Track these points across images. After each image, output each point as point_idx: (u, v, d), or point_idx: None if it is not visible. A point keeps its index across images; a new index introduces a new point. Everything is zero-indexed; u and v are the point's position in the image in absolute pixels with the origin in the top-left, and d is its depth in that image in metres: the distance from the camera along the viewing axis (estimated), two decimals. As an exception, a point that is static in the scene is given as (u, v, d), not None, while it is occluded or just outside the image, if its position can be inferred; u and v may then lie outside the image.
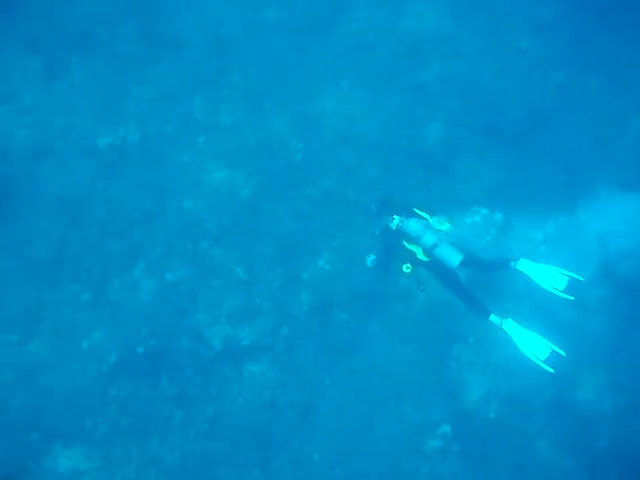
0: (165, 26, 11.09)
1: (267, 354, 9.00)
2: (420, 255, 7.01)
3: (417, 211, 7.25)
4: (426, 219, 7.14)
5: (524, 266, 6.92)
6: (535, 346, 6.77)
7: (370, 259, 7.26)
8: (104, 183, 10.03)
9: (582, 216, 9.65)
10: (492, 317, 6.96)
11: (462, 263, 6.98)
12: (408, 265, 7.06)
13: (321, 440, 8.67)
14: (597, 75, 10.65)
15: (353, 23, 11.49)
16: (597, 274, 9.38)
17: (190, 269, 9.40)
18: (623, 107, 10.28)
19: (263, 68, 11.01)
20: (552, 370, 6.65)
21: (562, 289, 6.78)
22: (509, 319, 6.88)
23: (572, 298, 6.76)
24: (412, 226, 6.98)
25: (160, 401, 8.78)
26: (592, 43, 10.93)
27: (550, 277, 6.84)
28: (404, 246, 7.12)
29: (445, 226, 7.14)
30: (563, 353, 6.65)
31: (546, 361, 6.73)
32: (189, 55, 10.94)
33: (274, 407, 8.79)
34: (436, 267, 7.03)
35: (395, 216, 7.09)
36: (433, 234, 6.95)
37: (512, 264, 6.99)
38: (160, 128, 10.44)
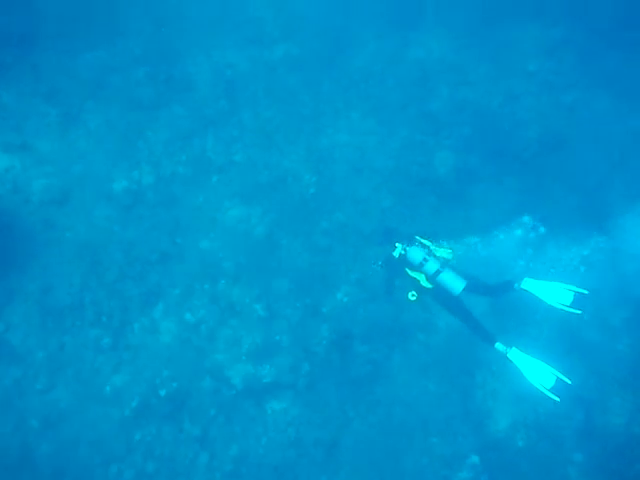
0: (176, 70, 11.44)
1: (289, 391, 9.02)
2: (424, 282, 7.03)
3: (419, 239, 7.28)
4: (428, 247, 7.18)
5: (529, 285, 6.88)
6: (541, 375, 6.67)
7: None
8: (121, 226, 10.23)
9: (602, 237, 9.65)
10: (498, 345, 6.90)
11: (466, 289, 6.98)
12: (413, 293, 7.08)
13: (348, 476, 8.62)
14: (606, 94, 10.78)
15: (361, 56, 11.77)
16: (620, 295, 9.36)
17: (209, 309, 9.50)
18: (634, 125, 10.33)
19: (273, 104, 11.27)
20: (558, 399, 6.51)
21: (569, 304, 6.73)
22: (514, 348, 6.78)
23: (580, 312, 6.70)
24: (414, 254, 7.03)
25: (184, 443, 8.82)
26: (600, 63, 11.09)
27: (555, 293, 6.79)
28: (407, 274, 7.17)
29: (447, 253, 7.17)
30: (569, 381, 6.54)
31: (552, 390, 6.62)
32: (200, 97, 11.24)
33: (299, 445, 8.78)
34: (440, 294, 7.03)
35: (397, 244, 7.17)
36: (435, 261, 6.98)
37: (516, 285, 6.97)
38: (174, 169, 10.67)
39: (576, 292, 6.63)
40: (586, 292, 6.61)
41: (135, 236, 10.16)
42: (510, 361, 6.76)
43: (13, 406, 8.99)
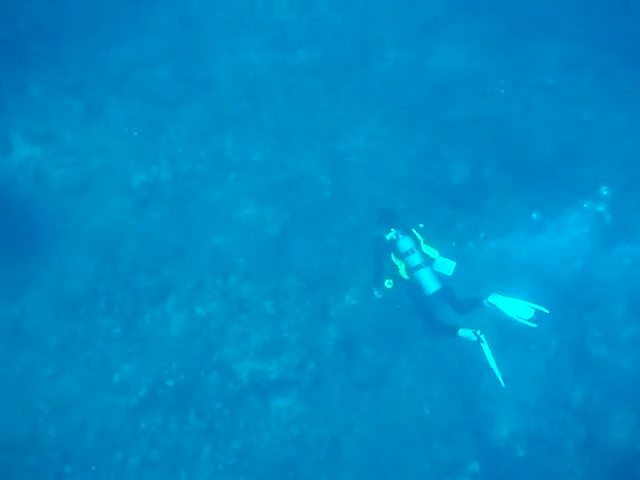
0: (199, 69, 11.84)
1: (294, 388, 9.31)
2: (402, 272, 7.45)
3: (414, 232, 7.69)
4: (419, 241, 7.57)
5: (496, 299, 7.21)
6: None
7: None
8: (137, 219, 10.62)
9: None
10: (461, 331, 7.30)
11: (439, 293, 7.34)
12: (390, 281, 7.54)
13: (349, 476, 8.88)
14: (624, 111, 11.01)
15: (382, 62, 12.11)
16: (629, 312, 9.57)
17: (220, 304, 9.83)
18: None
19: (293, 107, 11.63)
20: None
21: (527, 319, 7.07)
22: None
23: (535, 326, 7.05)
24: (404, 243, 7.46)
25: (189, 435, 9.13)
26: (619, 81, 11.35)
27: (518, 309, 7.13)
28: (391, 259, 7.55)
29: (433, 253, 7.55)
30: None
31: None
32: (221, 96, 11.63)
33: (302, 442, 9.06)
34: (414, 289, 7.41)
35: (392, 229, 7.56)
36: (420, 256, 7.39)
37: (485, 301, 7.28)
38: (192, 166, 11.05)
39: (537, 310, 7.00)
40: (547, 311, 6.98)
41: (150, 229, 10.54)
42: (480, 344, 7.25)
43: (24, 390, 9.38)
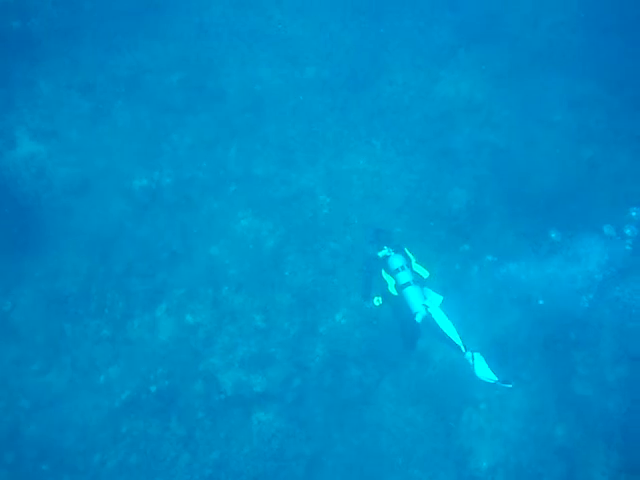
0: (209, 79, 12.02)
1: (277, 403, 9.41)
2: (391, 288, 7.58)
3: (406, 251, 7.89)
4: (410, 260, 7.77)
5: (476, 360, 7.26)
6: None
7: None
8: (135, 223, 10.77)
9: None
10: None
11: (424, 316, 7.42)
12: (379, 298, 7.75)
13: (325, 497, 8.96)
14: (628, 152, 11.14)
15: (390, 86, 12.27)
16: (617, 352, 9.67)
17: (209, 313, 9.96)
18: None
19: (298, 124, 11.80)
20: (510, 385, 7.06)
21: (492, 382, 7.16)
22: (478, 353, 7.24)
23: (510, 386, 7.08)
24: (395, 260, 7.62)
25: (168, 441, 9.23)
26: (625, 122, 11.48)
27: (487, 375, 7.21)
28: (381, 275, 7.72)
29: (424, 272, 7.75)
30: (510, 385, 7.05)
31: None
32: (228, 107, 11.80)
33: (281, 458, 9.15)
34: (401, 306, 7.54)
35: (385, 247, 7.76)
36: (410, 274, 7.55)
37: (467, 354, 7.32)
38: (194, 174, 11.21)
39: (501, 386, 7.08)
40: (510, 386, 7.08)
41: (148, 234, 10.68)
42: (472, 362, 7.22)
43: (8, 384, 9.49)
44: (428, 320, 7.46)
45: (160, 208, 10.95)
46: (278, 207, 10.90)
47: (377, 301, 7.76)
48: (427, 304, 7.40)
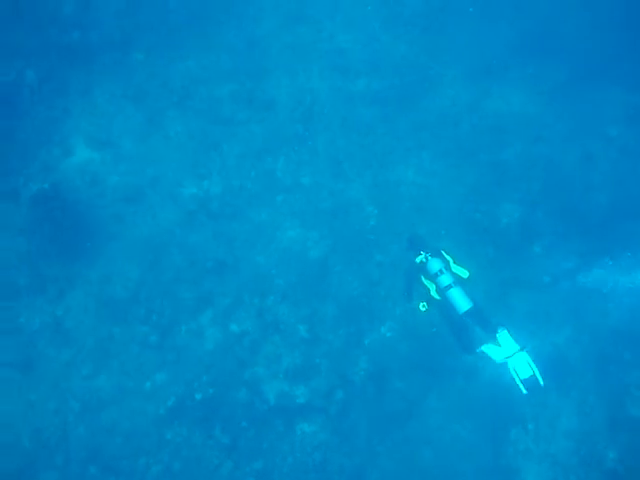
0: (259, 89, 12.30)
1: (321, 415, 9.47)
2: (433, 293, 7.62)
3: (443, 253, 7.90)
4: (448, 262, 7.77)
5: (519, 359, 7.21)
6: (520, 365, 7.11)
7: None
8: (184, 231, 11.04)
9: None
10: (484, 347, 7.35)
11: (471, 312, 7.44)
12: (424, 304, 7.75)
13: (367, 510, 8.97)
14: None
15: (440, 99, 12.32)
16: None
17: (255, 322, 10.12)
18: None
19: (347, 134, 11.94)
20: (525, 391, 7.01)
21: (522, 378, 7.08)
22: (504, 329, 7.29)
23: (525, 392, 7.04)
24: (433, 264, 7.65)
25: (212, 449, 9.38)
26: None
27: (522, 365, 7.14)
28: (422, 281, 7.77)
29: (463, 272, 7.75)
30: (542, 382, 7.01)
31: (524, 382, 7.05)
32: (278, 118, 12.04)
33: (323, 470, 9.19)
34: (446, 308, 7.55)
35: (422, 252, 7.80)
36: (450, 276, 7.55)
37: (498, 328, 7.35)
38: (242, 183, 11.45)
39: (535, 377, 7.05)
40: (542, 384, 7.05)
41: (196, 242, 10.94)
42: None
43: (59, 387, 9.84)
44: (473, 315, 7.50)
45: (208, 217, 11.21)
46: (325, 218, 11.03)
47: (422, 307, 7.78)
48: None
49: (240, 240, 10.96)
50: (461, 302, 7.45)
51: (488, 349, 7.33)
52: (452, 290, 7.48)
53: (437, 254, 7.83)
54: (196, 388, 9.75)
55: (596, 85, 11.98)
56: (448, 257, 7.88)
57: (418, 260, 7.80)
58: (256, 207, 11.27)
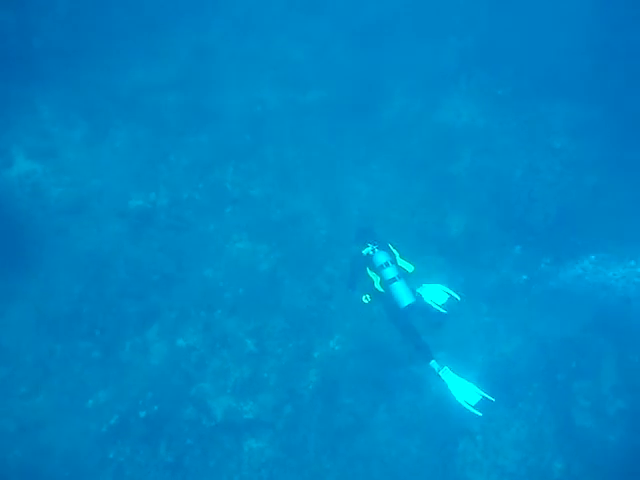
0: (208, 99, 12.20)
1: (268, 431, 9.32)
2: (377, 285, 7.74)
3: (390, 247, 8.08)
4: (395, 255, 7.96)
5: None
6: (467, 393, 7.18)
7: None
8: (130, 244, 10.80)
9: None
10: (432, 362, 7.43)
11: (413, 306, 7.56)
12: (367, 296, 7.89)
13: (315, 528, 8.84)
14: (631, 182, 11.17)
15: (389, 110, 12.43)
16: (620, 384, 9.60)
17: (202, 337, 9.94)
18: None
19: (297, 146, 11.94)
20: (480, 414, 7.05)
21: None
22: (446, 368, 7.35)
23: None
24: (379, 257, 7.78)
25: (156, 469, 9.12)
26: (627, 149, 11.53)
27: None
28: (367, 273, 7.89)
29: (409, 266, 7.94)
30: (493, 399, 7.08)
31: (475, 406, 7.11)
32: (226, 128, 11.95)
33: (271, 488, 9.04)
34: (389, 302, 7.65)
35: (369, 244, 7.95)
36: (395, 269, 7.68)
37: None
38: (190, 195, 11.30)
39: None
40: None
41: (142, 255, 10.72)
42: (441, 378, 7.36)
43: (-6, 406, 9.47)
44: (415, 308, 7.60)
45: (155, 229, 11.01)
46: (274, 230, 10.95)
47: (366, 299, 7.91)
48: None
49: (187, 253, 10.78)
50: (404, 296, 7.54)
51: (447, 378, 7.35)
52: (396, 284, 7.58)
53: (384, 247, 7.95)
54: (140, 405, 9.50)
55: (541, 98, 12.26)
56: (395, 251, 8.05)
57: (365, 252, 7.91)
58: (204, 219, 11.12)
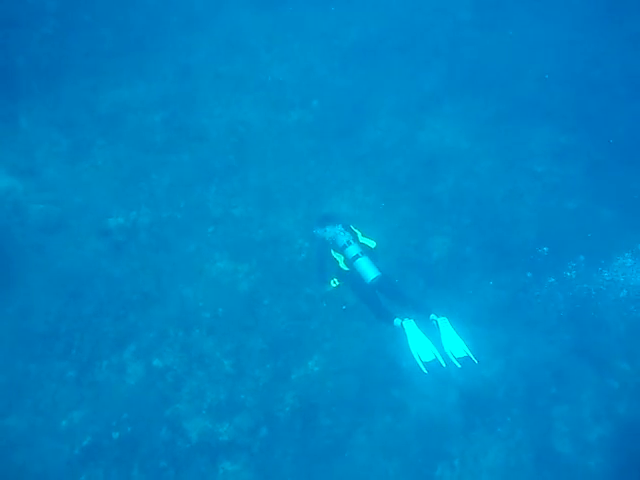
0: (191, 119, 12.30)
1: (244, 453, 9.24)
2: (342, 264, 7.97)
3: (352, 227, 8.33)
4: (356, 234, 8.21)
5: (442, 324, 7.33)
6: (423, 349, 7.12)
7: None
8: (109, 262, 10.77)
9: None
10: (395, 320, 7.44)
11: (379, 283, 7.74)
12: (335, 280, 8.15)
13: None
14: (610, 206, 11.35)
15: (373, 132, 12.57)
16: (600, 410, 9.63)
17: (179, 357, 9.89)
18: (634, 240, 10.81)
19: (280, 166, 12.01)
20: (426, 371, 7.00)
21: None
22: (411, 320, 7.33)
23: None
24: (341, 236, 8.02)
25: (128, 493, 9.03)
26: (608, 175, 11.74)
27: (454, 345, 7.22)
28: (331, 255, 8.10)
29: (371, 242, 8.19)
30: (443, 363, 7.01)
31: (426, 364, 7.06)
32: (210, 148, 12.03)
33: (246, 513, 8.95)
34: (355, 279, 7.83)
35: (329, 227, 8.17)
36: (357, 247, 7.93)
37: (432, 316, 7.40)
38: (172, 214, 11.31)
39: (468, 355, 7.14)
40: (476, 362, 7.14)
41: (121, 274, 10.68)
42: (403, 329, 7.31)
43: (-36, 426, 9.35)
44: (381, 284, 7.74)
45: (135, 248, 10.99)
46: (255, 250, 10.97)
47: (334, 283, 8.15)
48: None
49: (167, 272, 10.76)
50: (368, 271, 7.72)
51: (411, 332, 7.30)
52: (359, 260, 7.78)
53: (346, 228, 8.18)
54: (114, 426, 9.40)
55: (525, 122, 12.47)
56: (356, 230, 8.30)
57: (327, 236, 8.12)
58: (185, 238, 11.12)
